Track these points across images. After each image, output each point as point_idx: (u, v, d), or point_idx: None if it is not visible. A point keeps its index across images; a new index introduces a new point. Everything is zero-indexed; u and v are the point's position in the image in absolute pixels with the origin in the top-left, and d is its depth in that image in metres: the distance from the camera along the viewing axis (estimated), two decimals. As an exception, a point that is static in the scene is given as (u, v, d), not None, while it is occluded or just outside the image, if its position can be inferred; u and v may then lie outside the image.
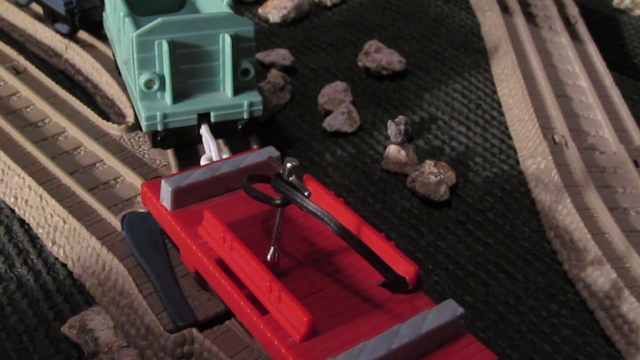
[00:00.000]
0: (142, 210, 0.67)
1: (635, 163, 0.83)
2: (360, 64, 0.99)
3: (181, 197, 0.60)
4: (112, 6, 0.78)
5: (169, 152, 0.74)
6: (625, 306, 0.66)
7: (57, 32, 0.93)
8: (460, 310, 0.52)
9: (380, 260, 0.50)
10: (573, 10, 1.12)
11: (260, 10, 1.09)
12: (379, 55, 0.98)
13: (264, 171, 0.56)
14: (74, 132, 0.77)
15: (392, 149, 0.82)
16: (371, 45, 1.00)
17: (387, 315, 0.53)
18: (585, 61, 1.00)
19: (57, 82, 0.86)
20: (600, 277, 0.69)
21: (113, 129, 0.78)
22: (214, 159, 0.68)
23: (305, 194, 0.50)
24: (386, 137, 0.87)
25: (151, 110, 0.69)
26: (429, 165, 0.80)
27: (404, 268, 0.54)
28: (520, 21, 1.06)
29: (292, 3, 1.08)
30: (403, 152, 0.82)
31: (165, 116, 0.69)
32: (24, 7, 1.00)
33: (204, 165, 0.64)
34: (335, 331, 0.51)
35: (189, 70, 0.70)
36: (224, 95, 0.71)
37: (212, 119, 0.71)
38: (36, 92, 0.82)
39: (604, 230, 0.74)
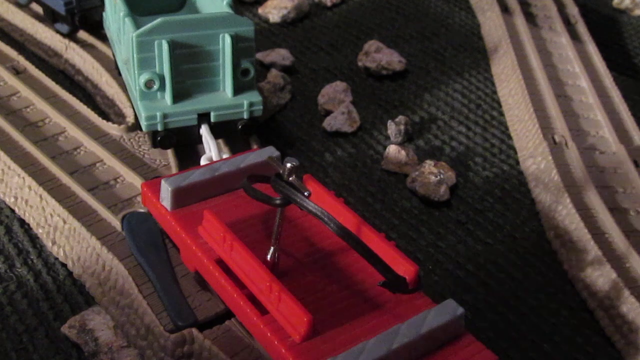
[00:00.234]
0: (142, 210, 0.67)
1: (635, 163, 0.83)
2: (360, 64, 0.99)
3: (181, 197, 0.60)
4: (112, 6, 0.78)
5: (169, 152, 0.75)
6: (625, 306, 0.66)
7: (57, 32, 0.93)
8: (460, 310, 0.52)
9: (380, 260, 0.50)
10: (573, 10, 1.12)
11: (260, 10, 1.09)
12: (379, 55, 0.98)
13: (264, 171, 0.56)
14: (74, 132, 0.77)
15: (392, 149, 0.83)
16: (371, 45, 1.00)
17: (387, 315, 0.53)
18: (585, 61, 1.00)
19: (57, 82, 0.86)
20: (600, 277, 0.69)
21: (113, 129, 0.78)
22: (214, 159, 0.68)
23: (305, 194, 0.50)
24: (386, 137, 0.87)
25: (151, 110, 0.69)
26: (429, 165, 0.80)
27: (404, 268, 0.54)
28: (520, 21, 1.06)
29: (292, 3, 1.08)
30: (403, 152, 0.82)
31: (165, 116, 0.69)
32: (24, 7, 1.00)
33: (204, 165, 0.64)
34: (335, 331, 0.51)
35: (189, 70, 0.70)
36: (224, 95, 0.71)
37: (212, 119, 0.71)
38: (36, 92, 0.82)
39: (604, 230, 0.74)
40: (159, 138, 0.70)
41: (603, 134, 0.87)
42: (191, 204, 0.61)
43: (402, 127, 0.86)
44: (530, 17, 1.09)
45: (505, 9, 1.10)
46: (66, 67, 0.92)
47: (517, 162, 0.86)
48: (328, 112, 0.90)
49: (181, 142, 0.71)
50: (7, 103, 0.82)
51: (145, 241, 0.64)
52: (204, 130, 0.70)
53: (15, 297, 0.64)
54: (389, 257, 0.54)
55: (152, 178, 0.69)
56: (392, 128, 0.86)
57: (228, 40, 0.69)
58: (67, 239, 0.67)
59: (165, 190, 0.60)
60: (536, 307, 0.68)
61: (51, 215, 0.69)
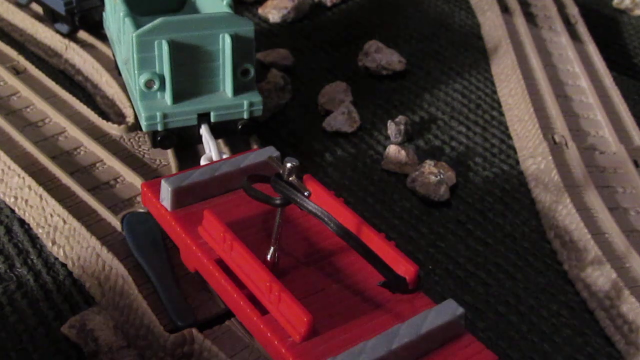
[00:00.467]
0: (142, 210, 0.67)
1: (635, 163, 0.83)
2: (360, 64, 0.99)
3: (181, 197, 0.60)
4: (112, 6, 0.78)
5: (169, 152, 0.75)
6: (625, 306, 0.66)
7: (57, 32, 0.93)
8: (460, 310, 0.52)
9: (380, 260, 0.50)
10: (573, 10, 1.12)
11: (260, 10, 1.09)
12: (379, 55, 0.98)
13: (264, 171, 0.56)
14: (74, 132, 0.77)
15: (392, 149, 0.82)
16: (371, 45, 1.00)
17: (387, 315, 0.53)
18: (585, 61, 1.00)
19: (57, 82, 0.85)
20: (600, 277, 0.69)
21: (113, 129, 0.78)
22: (214, 159, 0.68)
23: (305, 194, 0.50)
24: (386, 137, 0.87)
25: (151, 110, 0.69)
26: (429, 165, 0.80)
27: (404, 268, 0.54)
28: (520, 21, 1.06)
29: (292, 3, 1.08)
30: (403, 152, 0.82)
31: (165, 116, 0.69)
32: (24, 7, 1.00)
33: (204, 165, 0.64)
34: (335, 331, 0.51)
35: (189, 70, 0.70)
36: (224, 95, 0.71)
37: (212, 119, 0.71)
38: (36, 92, 0.82)
39: (604, 230, 0.74)
40: (159, 138, 0.70)
41: (603, 134, 0.87)
42: (191, 204, 0.61)
43: (402, 127, 0.86)
44: (530, 17, 1.09)
45: (505, 9, 1.10)
46: (66, 67, 0.92)
47: (517, 162, 0.86)
48: (328, 112, 0.90)
49: (181, 142, 0.71)
50: (7, 103, 0.82)
51: (145, 241, 0.64)
52: (204, 130, 0.70)
53: (15, 297, 0.64)
54: (389, 257, 0.54)
55: (152, 178, 0.69)
56: (392, 128, 0.86)
57: (228, 40, 0.69)
58: (67, 239, 0.67)
59: (165, 190, 0.60)
60: (536, 307, 0.68)
61: (51, 215, 0.69)
